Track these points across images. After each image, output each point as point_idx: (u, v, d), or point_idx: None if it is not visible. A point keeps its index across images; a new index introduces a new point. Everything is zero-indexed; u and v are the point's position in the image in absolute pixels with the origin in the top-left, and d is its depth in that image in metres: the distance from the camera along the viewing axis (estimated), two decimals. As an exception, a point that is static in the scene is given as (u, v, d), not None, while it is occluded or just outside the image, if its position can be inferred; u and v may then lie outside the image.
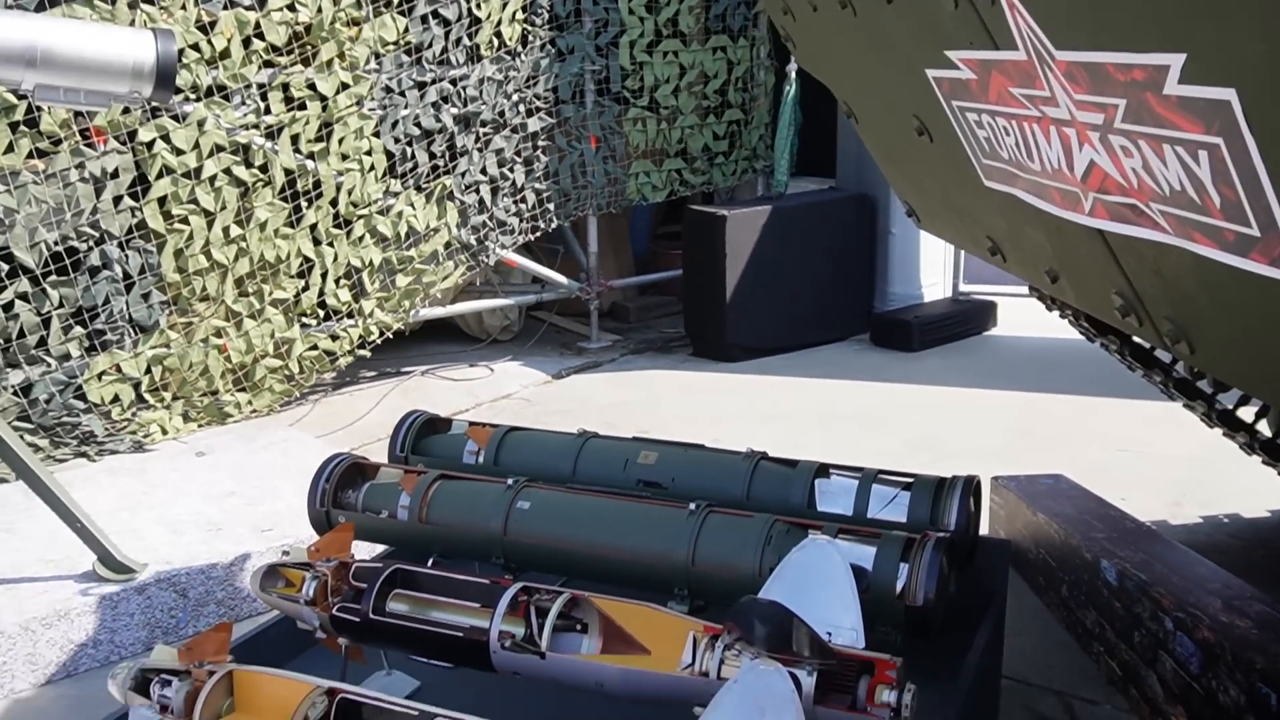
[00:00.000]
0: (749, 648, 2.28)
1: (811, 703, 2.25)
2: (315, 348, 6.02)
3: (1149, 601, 3.20)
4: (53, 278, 5.00)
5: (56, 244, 5.00)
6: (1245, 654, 2.77)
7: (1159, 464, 5.07)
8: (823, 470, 3.01)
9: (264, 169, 5.61)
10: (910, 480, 2.93)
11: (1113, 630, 3.42)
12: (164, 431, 5.40)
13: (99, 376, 5.51)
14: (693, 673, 2.36)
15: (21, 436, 4.95)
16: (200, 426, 5.54)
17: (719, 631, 2.40)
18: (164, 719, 2.38)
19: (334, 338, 6.06)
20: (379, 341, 6.21)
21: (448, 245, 6.45)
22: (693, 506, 2.77)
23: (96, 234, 5.14)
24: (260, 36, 5.50)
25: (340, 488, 3.16)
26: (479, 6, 6.28)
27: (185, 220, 5.38)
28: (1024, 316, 6.65)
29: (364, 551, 3.55)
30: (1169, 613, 3.10)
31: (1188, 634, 2.99)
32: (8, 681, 3.37)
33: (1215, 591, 3.17)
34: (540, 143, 6.80)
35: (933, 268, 7.65)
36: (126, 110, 5.06)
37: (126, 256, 5.24)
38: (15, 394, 5.34)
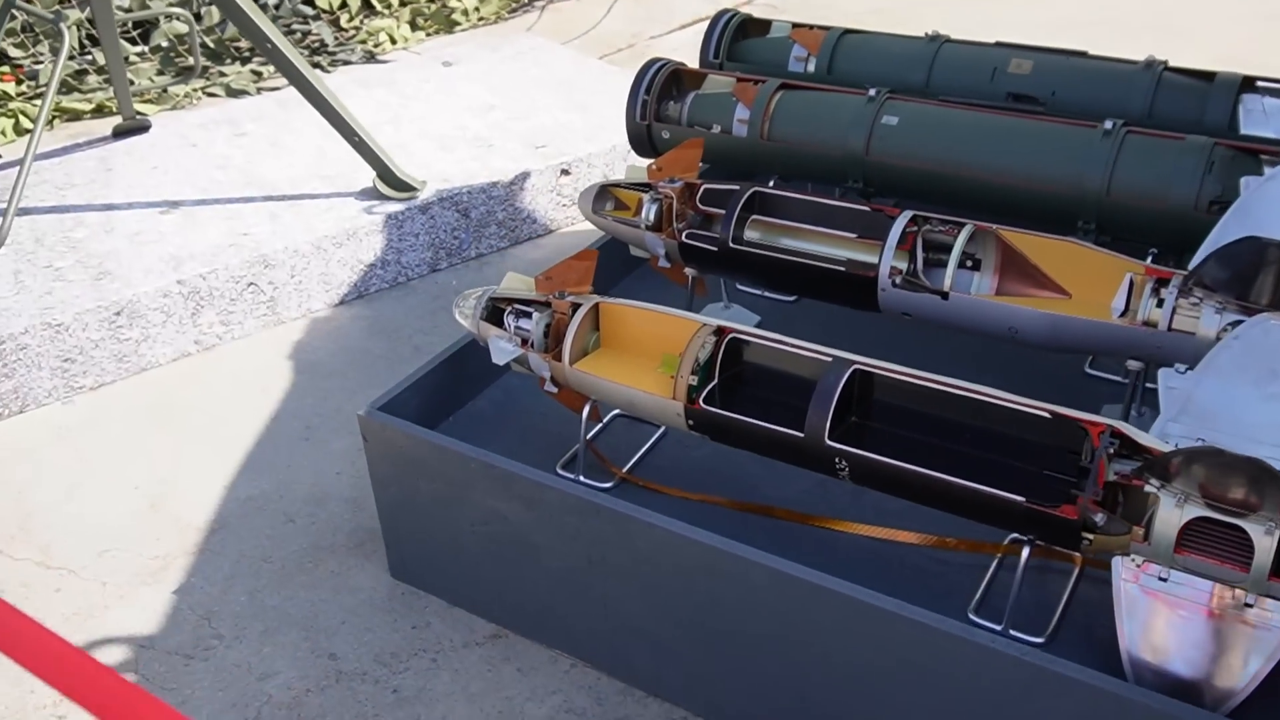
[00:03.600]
0: (1234, 299, 1.90)
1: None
2: (542, -54, 5.48)
3: None
4: None
5: None
6: None
7: None
8: (1248, 83, 2.48)
9: None
10: (1369, 98, 2.39)
11: None
12: (393, 41, 5.04)
13: (323, -21, 5.14)
14: (1133, 321, 2.01)
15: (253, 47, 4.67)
16: (428, 35, 5.16)
17: (1166, 275, 2.02)
18: (525, 352, 2.18)
19: (561, -65, 5.48)
20: (608, -59, 5.60)
21: None
22: (1109, 125, 2.31)
23: None
24: None
25: (660, 99, 2.78)
26: None
27: None
28: None
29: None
30: None
31: None
32: (304, 300, 3.26)
33: None
34: None
35: None
36: None
37: None
38: (241, -2, 5.02)
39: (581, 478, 2.23)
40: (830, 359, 1.94)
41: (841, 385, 1.88)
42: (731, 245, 2.33)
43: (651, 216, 2.44)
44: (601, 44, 5.18)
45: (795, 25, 2.95)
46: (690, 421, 2.01)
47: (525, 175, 3.53)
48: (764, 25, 3.01)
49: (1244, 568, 1.62)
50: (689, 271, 2.47)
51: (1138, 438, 1.72)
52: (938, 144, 2.45)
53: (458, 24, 5.27)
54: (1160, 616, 1.71)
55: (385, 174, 3.37)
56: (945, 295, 2.13)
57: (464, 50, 4.53)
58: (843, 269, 2.23)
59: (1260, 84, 2.48)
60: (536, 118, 3.87)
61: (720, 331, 2.03)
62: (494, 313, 2.25)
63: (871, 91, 2.53)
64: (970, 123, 2.45)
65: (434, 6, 5.28)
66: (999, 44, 2.75)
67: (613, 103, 3.94)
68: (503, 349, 2.16)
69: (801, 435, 1.89)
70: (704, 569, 1.88)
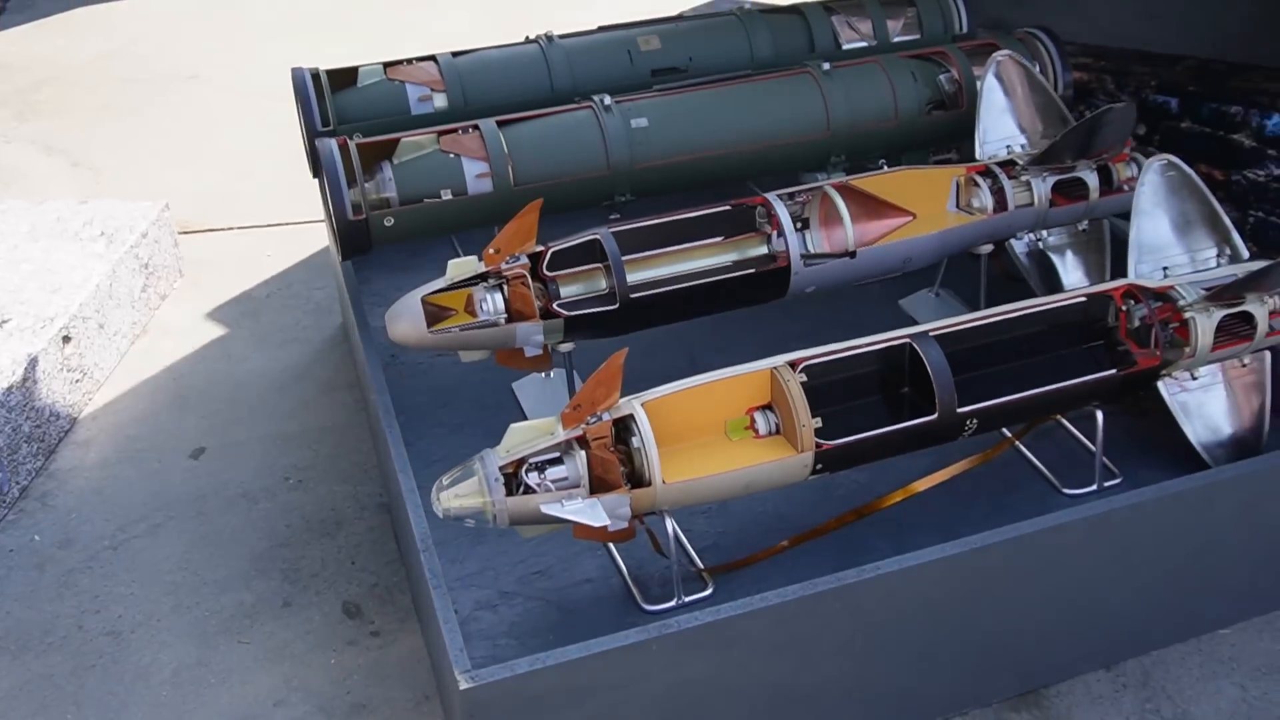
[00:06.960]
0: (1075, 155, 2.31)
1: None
2: None
3: None
4: None
5: None
6: None
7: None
8: (825, 7, 2.85)
9: None
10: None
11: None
12: None
13: None
14: (987, 213, 2.32)
15: None
16: None
17: (980, 169, 2.36)
18: (597, 498, 1.76)
19: None
20: None
21: None
22: (826, 66, 2.52)
23: None
24: None
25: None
26: None
27: None
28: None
29: (399, 258, 2.90)
30: None
31: None
32: None
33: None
34: None
35: None
36: None
37: None
38: None
39: (684, 599, 1.89)
40: (904, 340, 1.92)
41: (944, 353, 1.90)
42: (632, 296, 2.07)
43: (501, 305, 2.05)
44: None
45: (388, 65, 2.56)
46: (819, 465, 1.84)
47: (31, 363, 2.55)
48: (350, 74, 2.55)
49: (1249, 338, 2.08)
50: (565, 348, 2.13)
51: (1146, 283, 2.07)
52: (697, 131, 2.40)
53: None
54: (1208, 404, 2.12)
55: (-126, 440, 2.19)
56: (853, 254, 2.20)
57: None
58: (753, 270, 2.15)
59: (830, 6, 2.85)
60: (-45, 290, 2.77)
61: (792, 365, 1.86)
62: (509, 480, 1.75)
63: (606, 100, 2.37)
64: (713, 102, 2.45)
65: None
66: (601, 29, 2.72)
67: (31, 240, 2.98)
68: (585, 510, 1.72)
69: (935, 417, 1.88)
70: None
